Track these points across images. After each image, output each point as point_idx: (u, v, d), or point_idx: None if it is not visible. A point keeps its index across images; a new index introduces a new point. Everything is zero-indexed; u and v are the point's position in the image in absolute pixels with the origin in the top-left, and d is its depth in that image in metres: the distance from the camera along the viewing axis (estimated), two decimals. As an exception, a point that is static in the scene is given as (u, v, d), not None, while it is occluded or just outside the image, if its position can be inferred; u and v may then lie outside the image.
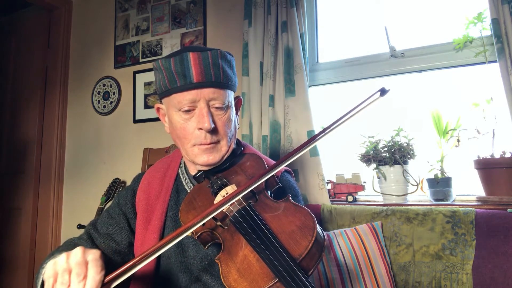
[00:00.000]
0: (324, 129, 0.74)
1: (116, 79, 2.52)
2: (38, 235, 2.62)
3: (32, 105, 2.74)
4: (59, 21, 2.75)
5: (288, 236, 0.67)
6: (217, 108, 0.88)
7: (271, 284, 0.61)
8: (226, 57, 0.91)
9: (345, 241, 1.42)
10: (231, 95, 0.93)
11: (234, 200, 0.72)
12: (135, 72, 2.44)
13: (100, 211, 2.18)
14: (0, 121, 2.89)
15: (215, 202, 0.80)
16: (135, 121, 2.42)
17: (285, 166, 1.03)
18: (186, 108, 0.86)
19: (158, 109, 0.99)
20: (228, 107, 0.91)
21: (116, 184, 2.29)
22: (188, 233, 0.69)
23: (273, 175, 0.81)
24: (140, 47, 2.45)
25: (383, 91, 0.71)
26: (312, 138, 0.74)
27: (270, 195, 0.82)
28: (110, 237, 0.98)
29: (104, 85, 2.57)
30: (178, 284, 0.89)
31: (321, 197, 1.70)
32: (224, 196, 0.79)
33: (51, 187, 2.63)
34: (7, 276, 2.67)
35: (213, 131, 0.88)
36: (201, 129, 0.86)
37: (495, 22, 1.48)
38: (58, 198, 2.64)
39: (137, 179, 1.07)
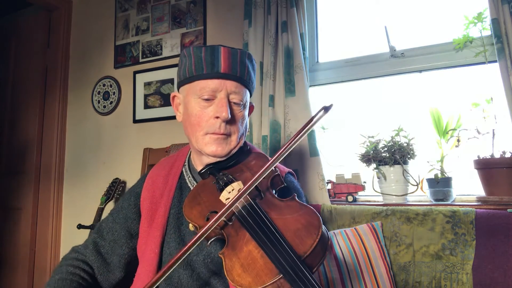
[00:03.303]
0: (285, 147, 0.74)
1: (116, 79, 2.52)
2: (38, 235, 2.62)
3: (32, 105, 2.74)
4: (59, 21, 2.74)
5: (293, 234, 0.67)
6: (235, 103, 0.93)
7: (275, 280, 0.61)
8: (253, 61, 0.98)
9: (345, 241, 1.41)
10: (248, 96, 0.97)
11: (244, 195, 0.73)
12: (135, 72, 2.44)
13: (100, 211, 2.18)
14: (0, 121, 2.89)
15: (220, 198, 0.81)
16: (135, 121, 2.42)
17: (287, 168, 1.06)
18: (206, 96, 0.90)
19: (173, 97, 1.02)
20: (244, 106, 0.96)
21: (116, 184, 2.29)
22: (191, 227, 0.73)
23: (278, 175, 0.84)
24: (140, 47, 2.45)
25: (326, 108, 0.73)
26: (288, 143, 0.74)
27: (275, 194, 0.82)
28: (116, 243, 1.01)
29: (104, 85, 2.57)
30: (179, 281, 0.89)
31: (321, 197, 1.70)
32: (230, 192, 0.80)
33: (51, 187, 2.63)
34: (7, 276, 2.67)
35: (229, 122, 0.91)
36: (217, 117, 0.90)
37: (495, 22, 1.48)
38: (58, 198, 2.64)
39: (142, 179, 1.10)
